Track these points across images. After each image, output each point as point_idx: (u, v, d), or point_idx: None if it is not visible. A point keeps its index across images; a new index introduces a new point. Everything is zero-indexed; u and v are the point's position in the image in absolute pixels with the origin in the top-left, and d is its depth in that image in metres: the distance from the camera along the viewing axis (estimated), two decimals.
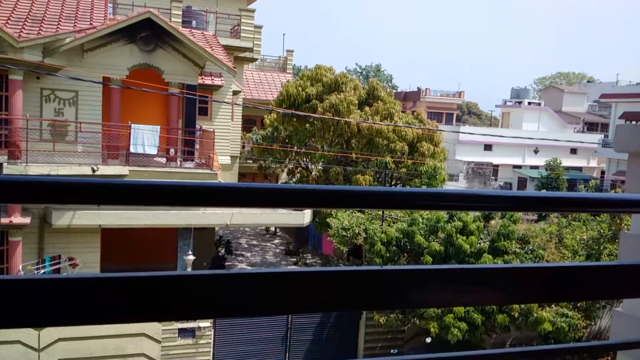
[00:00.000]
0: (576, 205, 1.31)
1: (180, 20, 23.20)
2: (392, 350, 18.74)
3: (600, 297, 1.43)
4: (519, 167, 46.17)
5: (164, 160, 18.90)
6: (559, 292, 1.23)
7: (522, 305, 15.36)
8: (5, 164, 15.56)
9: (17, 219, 16.03)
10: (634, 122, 37.40)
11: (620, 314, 2.16)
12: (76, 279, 0.89)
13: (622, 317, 2.13)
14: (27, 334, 15.15)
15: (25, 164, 15.76)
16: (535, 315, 15.29)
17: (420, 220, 18.11)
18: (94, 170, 16.52)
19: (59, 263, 16.93)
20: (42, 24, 16.75)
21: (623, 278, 1.27)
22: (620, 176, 35.55)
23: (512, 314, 15.76)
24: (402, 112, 25.50)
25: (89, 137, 17.42)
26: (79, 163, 16.63)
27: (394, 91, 51.94)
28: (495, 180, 45.04)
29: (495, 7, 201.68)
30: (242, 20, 25.10)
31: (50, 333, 15.39)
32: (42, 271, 16.46)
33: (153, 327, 16.42)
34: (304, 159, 24.78)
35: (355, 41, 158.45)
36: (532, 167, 45.04)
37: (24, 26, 16.38)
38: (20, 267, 16.28)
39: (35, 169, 15.67)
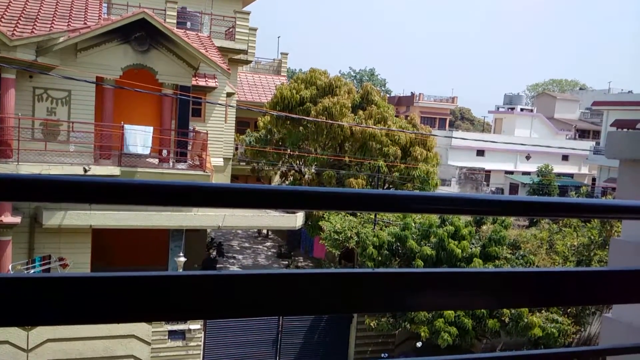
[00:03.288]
0: (567, 211, 1.32)
1: (174, 21, 23.17)
2: (382, 355, 18.75)
3: (590, 302, 1.43)
4: (511, 172, 46.38)
5: (156, 161, 18.84)
6: (549, 297, 1.23)
7: (513, 311, 15.41)
8: None
9: (8, 219, 15.93)
10: (625, 130, 37.63)
11: (610, 319, 2.17)
12: (66, 278, 0.88)
13: (611, 322, 2.14)
14: (15, 335, 15.06)
15: (16, 163, 15.68)
16: (526, 320, 15.35)
17: (413, 224, 18.15)
18: (85, 170, 16.44)
19: (49, 263, 16.83)
20: (36, 23, 16.68)
21: (613, 284, 1.27)
22: (611, 183, 35.76)
23: (503, 319, 15.81)
24: (395, 116, 25.56)
25: (81, 137, 17.35)
26: (71, 163, 16.56)
27: (388, 95, 52.10)
28: (487, 185, 45.19)
29: (488, 13, 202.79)
30: (237, 23, 25.11)
31: (39, 333, 15.30)
32: (32, 271, 16.35)
33: (143, 329, 16.35)
34: (297, 161, 24.78)
35: (351, 45, 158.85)
36: (524, 173, 45.25)
37: (18, 24, 16.31)
38: (10, 267, 16.17)
39: (27, 168, 15.58)
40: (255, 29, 27.25)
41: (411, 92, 60.99)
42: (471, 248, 17.23)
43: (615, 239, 2.24)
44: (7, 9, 17.06)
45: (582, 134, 57.65)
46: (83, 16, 18.05)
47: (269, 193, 1.00)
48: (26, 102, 16.96)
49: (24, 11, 17.23)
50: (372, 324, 17.36)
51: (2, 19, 16.31)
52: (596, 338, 17.57)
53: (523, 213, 1.26)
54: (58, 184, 0.88)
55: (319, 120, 21.62)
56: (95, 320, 0.92)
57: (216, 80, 21.61)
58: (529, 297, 1.22)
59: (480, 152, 45.36)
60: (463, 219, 18.04)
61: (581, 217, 1.38)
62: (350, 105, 23.21)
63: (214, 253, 24.39)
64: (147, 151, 17.85)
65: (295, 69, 62.19)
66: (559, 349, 1.46)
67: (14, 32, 15.85)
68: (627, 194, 2.20)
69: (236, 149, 27.17)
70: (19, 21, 16.53)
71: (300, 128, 23.22)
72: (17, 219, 16.14)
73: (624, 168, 2.21)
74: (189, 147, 19.32)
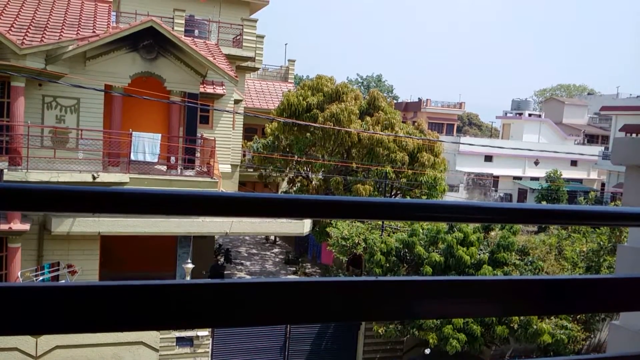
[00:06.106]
0: (574, 218, 1.32)
1: (182, 29, 23.30)
2: None
3: (598, 309, 1.43)
4: (519, 178, 46.19)
5: (164, 168, 18.91)
6: (558, 304, 1.23)
7: (522, 317, 15.31)
8: (5, 171, 15.57)
9: (17, 226, 16.02)
10: (634, 135, 37.47)
11: (617, 327, 2.15)
12: (74, 286, 0.89)
13: (619, 330, 2.13)
14: (24, 341, 15.10)
15: (25, 171, 15.77)
16: (535, 327, 15.24)
17: (421, 230, 18.08)
18: (94, 178, 16.52)
19: (58, 270, 16.90)
20: (45, 32, 16.82)
21: (620, 291, 1.27)
22: (620, 188, 35.54)
23: (512, 325, 15.70)
24: (402, 122, 25.55)
25: (89, 145, 17.44)
26: (80, 170, 16.64)
27: (395, 101, 52.10)
28: (496, 191, 45.02)
29: (495, 18, 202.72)
30: (245, 30, 25.22)
31: (48, 340, 15.34)
32: (41, 278, 16.42)
33: (151, 336, 16.36)
34: (305, 168, 24.79)
35: (358, 51, 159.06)
36: (533, 179, 45.06)
37: (27, 33, 16.45)
38: (19, 274, 16.25)
39: (36, 176, 15.68)
40: (262, 37, 27.35)
41: (418, 98, 60.99)
42: (480, 254, 17.15)
43: (622, 245, 2.23)
44: (17, 18, 17.21)
45: (591, 139, 57.37)
46: (92, 25, 18.19)
47: (278, 202, 1.01)
48: (35, 110, 17.09)
49: (33, 20, 17.38)
50: (380, 331, 17.28)
51: (12, 28, 16.46)
52: (606, 344, 17.42)
53: (531, 221, 1.26)
54: (64, 194, 0.89)
55: (326, 126, 21.64)
56: (104, 329, 0.93)
57: (224, 87, 21.69)
58: (538, 304, 1.22)
59: (488, 158, 45.22)
60: (471, 225, 17.98)
61: (585, 224, 1.38)
62: (357, 111, 23.22)
63: (222, 259, 24.41)
64: (155, 158, 17.92)
65: (302, 76, 62.35)
66: (568, 356, 1.45)
67: (24, 40, 15.98)
68: (634, 200, 2.19)
69: (244, 155, 27.23)
70: (29, 30, 16.67)
71: (308, 134, 23.24)
72: (26, 226, 16.23)
73: (630, 174, 2.20)
74: (197, 154, 19.38)
